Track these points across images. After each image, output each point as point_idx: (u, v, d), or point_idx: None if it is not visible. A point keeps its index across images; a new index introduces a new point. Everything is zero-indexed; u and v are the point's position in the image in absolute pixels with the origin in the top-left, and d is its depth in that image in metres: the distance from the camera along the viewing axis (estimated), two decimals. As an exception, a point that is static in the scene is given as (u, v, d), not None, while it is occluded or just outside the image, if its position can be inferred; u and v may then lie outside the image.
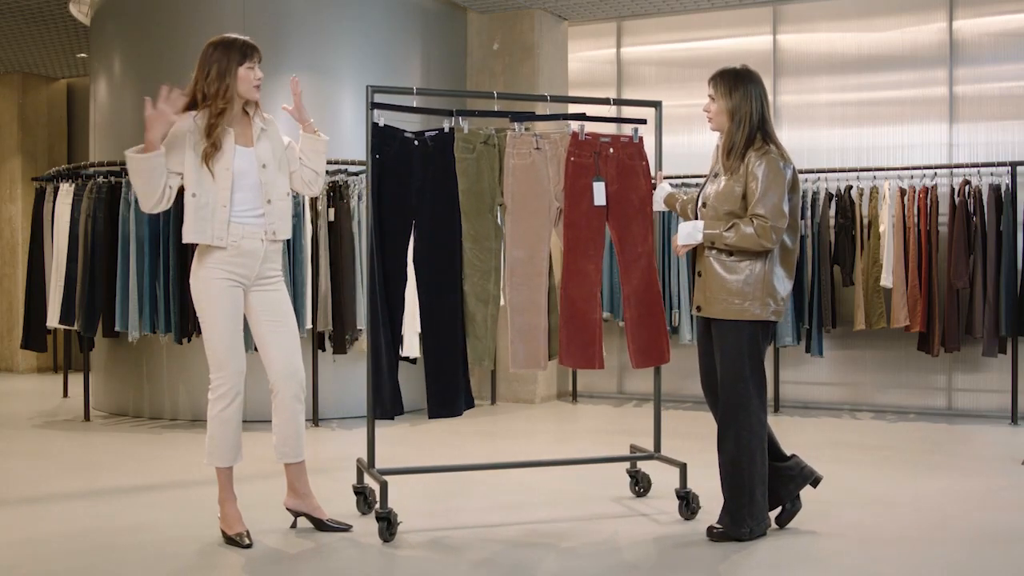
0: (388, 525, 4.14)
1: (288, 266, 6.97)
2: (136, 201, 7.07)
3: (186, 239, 4.07)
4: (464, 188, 4.47)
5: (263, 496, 4.69)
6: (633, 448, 5.04)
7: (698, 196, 4.32)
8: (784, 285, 4.13)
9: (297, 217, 6.95)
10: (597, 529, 4.40)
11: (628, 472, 5.00)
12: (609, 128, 4.94)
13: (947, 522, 4.51)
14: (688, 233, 4.16)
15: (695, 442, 6.17)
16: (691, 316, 7.88)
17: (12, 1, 8.64)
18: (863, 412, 7.96)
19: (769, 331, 4.17)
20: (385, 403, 4.38)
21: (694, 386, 8.41)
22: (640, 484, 4.95)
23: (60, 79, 11.63)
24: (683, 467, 4.57)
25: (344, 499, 4.70)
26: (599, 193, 4.57)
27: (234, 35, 4.16)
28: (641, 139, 4.71)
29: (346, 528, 4.30)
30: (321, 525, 4.31)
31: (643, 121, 4.75)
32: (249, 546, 4.07)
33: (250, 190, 4.11)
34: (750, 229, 4.00)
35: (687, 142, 8.44)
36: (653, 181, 4.71)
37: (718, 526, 4.18)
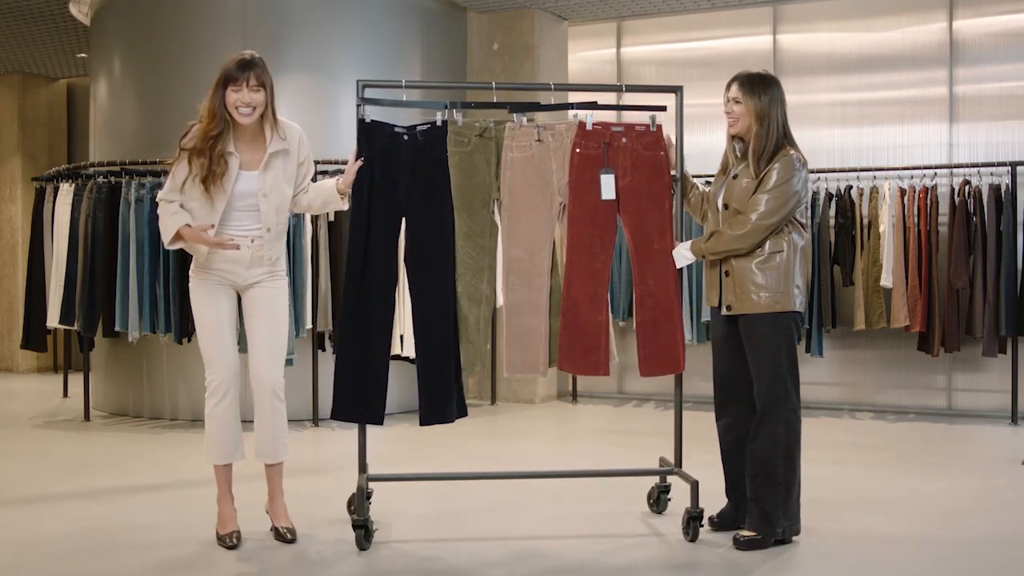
0: (365, 533, 4.04)
1: (288, 266, 6.95)
2: (136, 201, 7.10)
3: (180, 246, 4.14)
4: (457, 183, 4.26)
5: (261, 497, 4.68)
6: (663, 462, 4.64)
7: (716, 197, 4.24)
8: (802, 279, 4.10)
9: (297, 217, 6.95)
10: (594, 536, 4.37)
11: (659, 486, 4.62)
12: (623, 117, 4.75)
13: (947, 522, 4.51)
14: (682, 256, 4.25)
15: (695, 443, 6.15)
16: (691, 316, 7.86)
17: (12, 1, 8.63)
18: (863, 412, 7.96)
19: (800, 326, 4.12)
20: (341, 406, 4.30)
21: (694, 386, 8.42)
22: (653, 498, 4.63)
23: (60, 79, 11.62)
24: (695, 484, 4.20)
25: (341, 500, 4.66)
26: (607, 186, 4.23)
27: (239, 55, 4.06)
28: (660, 127, 4.37)
29: (289, 541, 4.13)
30: (275, 531, 4.22)
31: (663, 108, 4.43)
32: (234, 547, 4.05)
33: (248, 212, 4.09)
34: (737, 230, 4.02)
35: (686, 142, 8.35)
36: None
37: (746, 534, 4.03)
